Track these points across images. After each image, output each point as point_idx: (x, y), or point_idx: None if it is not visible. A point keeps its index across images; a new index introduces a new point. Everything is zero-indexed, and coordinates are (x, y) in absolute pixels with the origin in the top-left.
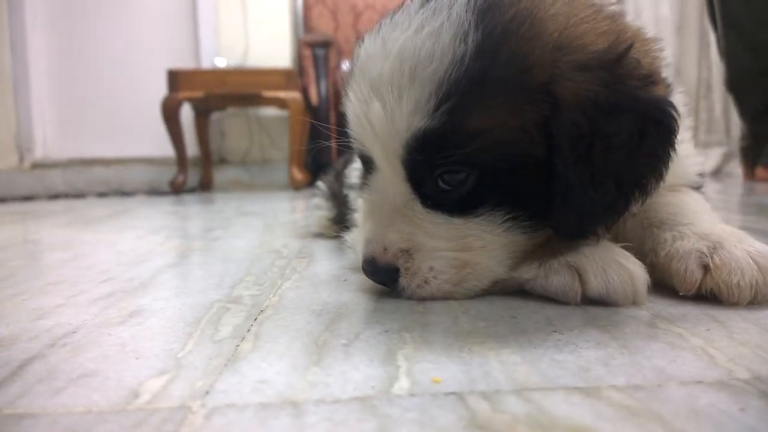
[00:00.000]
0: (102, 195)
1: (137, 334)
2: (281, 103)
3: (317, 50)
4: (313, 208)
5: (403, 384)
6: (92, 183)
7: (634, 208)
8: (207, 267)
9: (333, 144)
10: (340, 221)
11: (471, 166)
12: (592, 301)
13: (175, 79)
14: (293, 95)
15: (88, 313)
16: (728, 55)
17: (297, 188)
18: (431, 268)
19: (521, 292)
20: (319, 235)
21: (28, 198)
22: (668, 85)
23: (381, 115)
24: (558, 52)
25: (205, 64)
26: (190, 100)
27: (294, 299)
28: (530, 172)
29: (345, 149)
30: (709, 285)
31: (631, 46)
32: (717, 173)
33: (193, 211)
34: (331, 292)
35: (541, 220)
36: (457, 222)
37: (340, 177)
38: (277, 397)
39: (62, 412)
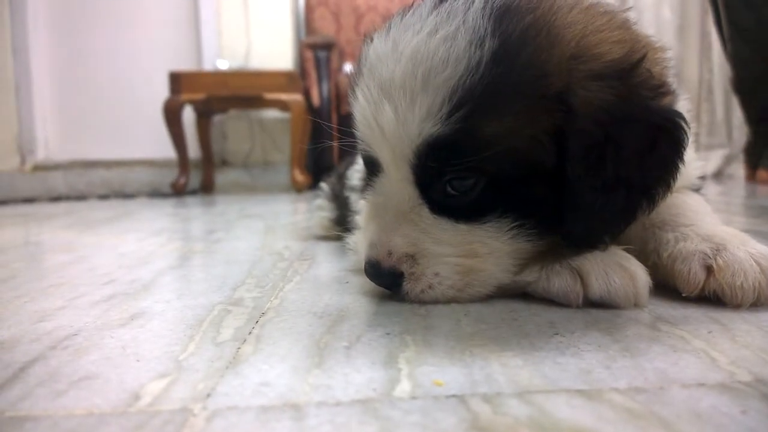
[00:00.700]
0: (103, 197)
1: (138, 337)
2: (283, 105)
3: (319, 52)
4: (316, 209)
5: (404, 387)
6: (94, 185)
7: (642, 216)
8: (208, 269)
9: (335, 146)
10: (342, 223)
11: (481, 173)
12: (594, 303)
13: (177, 81)
14: (295, 97)
15: (89, 316)
16: (735, 57)
17: (299, 190)
18: (436, 274)
19: (523, 294)
20: (321, 237)
21: (29, 200)
22: (674, 93)
23: (392, 118)
24: (574, 61)
25: (207, 66)
26: (192, 102)
27: (295, 301)
28: (539, 180)
29: (348, 151)
30: (712, 286)
31: (644, 57)
32: (719, 175)
33: (195, 213)
34: (332, 294)
35: (547, 228)
36: (464, 228)
37: (342, 179)
38: (279, 399)
39: (63, 415)
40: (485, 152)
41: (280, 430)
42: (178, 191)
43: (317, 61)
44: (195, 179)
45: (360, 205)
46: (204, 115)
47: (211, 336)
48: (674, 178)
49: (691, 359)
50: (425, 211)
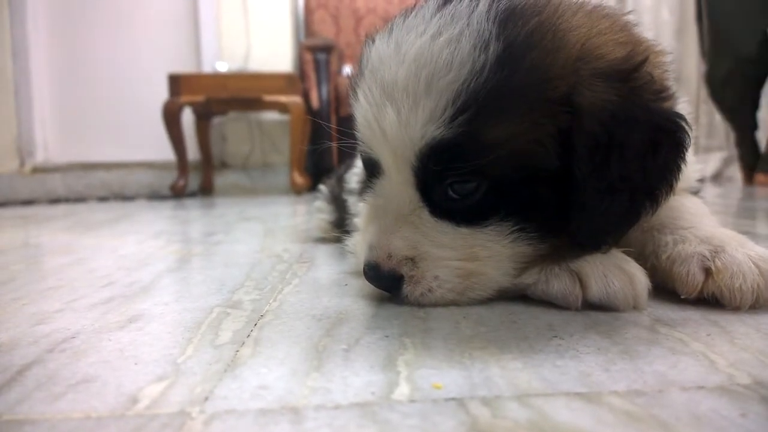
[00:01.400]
0: (103, 199)
1: (137, 340)
2: (282, 108)
3: (318, 54)
4: (315, 211)
5: (403, 390)
6: (93, 187)
7: (645, 218)
8: (207, 272)
9: (334, 148)
10: (341, 225)
11: (483, 176)
12: (593, 306)
13: (176, 83)
14: (294, 99)
15: (87, 318)
16: (708, 55)
17: (298, 192)
18: (436, 277)
19: (522, 297)
20: (320, 240)
21: (28, 202)
22: (674, 96)
23: (394, 121)
24: (579, 62)
25: (207, 68)
26: (191, 104)
27: (294, 304)
28: (541, 183)
29: (347, 153)
30: (710, 288)
31: (646, 60)
32: (717, 178)
33: (194, 215)
34: (331, 296)
35: (549, 231)
36: (465, 231)
37: (341, 181)
38: (277, 402)
39: (61, 418)
40: (488, 156)
41: None
42: (177, 193)
43: (317, 64)
44: (194, 181)
45: (359, 207)
46: (203, 117)
47: (209, 339)
48: (676, 180)
49: (690, 362)
50: (426, 214)
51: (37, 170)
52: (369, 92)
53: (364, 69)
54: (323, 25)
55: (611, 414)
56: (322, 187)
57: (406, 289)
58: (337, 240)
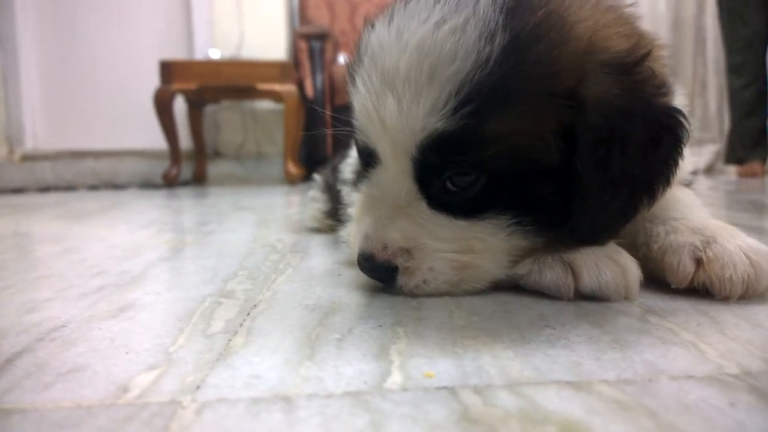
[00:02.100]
0: (93, 188)
1: (128, 329)
2: (276, 96)
3: (313, 42)
4: (309, 200)
5: (395, 379)
6: (83, 176)
7: (643, 212)
8: (200, 261)
9: (329, 137)
10: (335, 215)
11: (482, 170)
12: (585, 296)
13: (168, 70)
14: (289, 88)
15: (77, 307)
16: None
17: (292, 182)
18: (431, 269)
19: (515, 287)
20: (314, 230)
21: (17, 190)
22: (673, 91)
23: (394, 111)
24: (586, 56)
25: (199, 55)
26: (184, 92)
27: (287, 294)
28: (540, 178)
29: (342, 143)
30: (701, 278)
31: (649, 53)
32: (710, 170)
33: (187, 204)
34: (324, 286)
35: (545, 225)
36: (461, 224)
37: (335, 171)
38: (269, 391)
39: (51, 407)
40: (490, 150)
41: (270, 422)
42: (169, 182)
43: (311, 52)
44: (187, 170)
45: (353, 197)
46: (196, 105)
47: (201, 328)
48: (674, 175)
49: (680, 351)
50: (423, 205)
51: (26, 158)
52: (368, 80)
53: (363, 55)
54: (318, 13)
55: (601, 402)
56: (317, 177)
57: (401, 280)
58: (332, 230)
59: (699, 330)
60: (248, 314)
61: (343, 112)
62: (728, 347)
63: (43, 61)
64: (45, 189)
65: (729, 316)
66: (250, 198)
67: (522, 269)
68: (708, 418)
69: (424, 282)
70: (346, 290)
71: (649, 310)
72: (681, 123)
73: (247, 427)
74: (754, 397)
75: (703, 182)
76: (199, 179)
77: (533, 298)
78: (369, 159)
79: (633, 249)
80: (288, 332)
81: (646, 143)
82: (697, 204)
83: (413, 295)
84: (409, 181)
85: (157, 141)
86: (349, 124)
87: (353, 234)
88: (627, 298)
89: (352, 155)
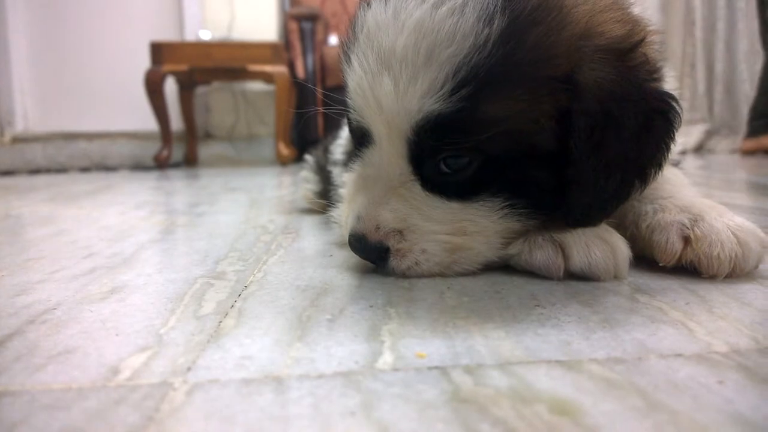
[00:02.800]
0: (84, 170)
1: (118, 311)
2: (267, 78)
3: (304, 24)
4: (301, 181)
5: (387, 359)
6: (74, 157)
7: (635, 195)
8: (191, 243)
9: (320, 118)
10: (326, 195)
11: (478, 152)
12: (575, 275)
13: (158, 51)
14: (280, 69)
15: (68, 290)
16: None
17: (284, 164)
18: (423, 251)
19: (506, 267)
20: (306, 211)
21: (8, 173)
22: (664, 75)
23: (391, 91)
24: (582, 41)
25: (190, 37)
26: (174, 73)
27: (279, 275)
28: (535, 161)
29: (333, 124)
30: (689, 256)
31: (644, 39)
32: (699, 150)
33: (178, 186)
34: (316, 267)
35: (538, 208)
36: (455, 206)
37: (327, 152)
38: (260, 372)
39: (41, 389)
40: (486, 133)
41: (261, 402)
42: (160, 164)
43: (302, 33)
44: (178, 152)
45: (344, 178)
46: (187, 86)
47: (192, 310)
48: (666, 159)
49: (669, 330)
50: (417, 186)
51: (17, 140)
52: (364, 59)
53: (358, 34)
54: None
55: (591, 381)
56: (308, 157)
57: (393, 262)
58: (324, 210)
59: (688, 309)
60: (239, 295)
61: (335, 92)
62: (717, 326)
63: (34, 42)
64: (36, 171)
65: (717, 294)
66: (241, 179)
67: (513, 249)
68: (697, 396)
69: (416, 264)
70: (338, 271)
71: (639, 289)
72: (673, 108)
73: (239, 408)
74: (742, 375)
75: (692, 161)
76: (190, 161)
77: (524, 278)
78: (362, 139)
79: (621, 228)
80: (279, 313)
81: (639, 128)
82: (685, 183)
83: (405, 276)
84: (403, 161)
85: (149, 123)
86: (341, 104)
87: (345, 214)
88: (616, 277)
89: (343, 136)
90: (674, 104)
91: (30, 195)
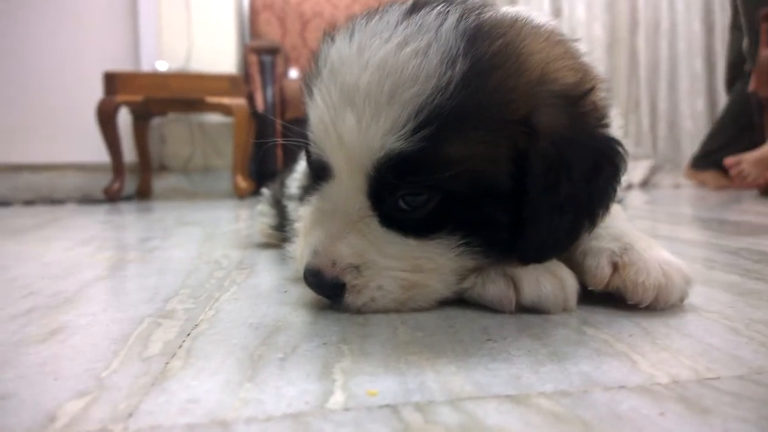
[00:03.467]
0: (29, 203)
1: (58, 353)
2: (226, 110)
3: (264, 56)
4: (257, 215)
5: (338, 398)
6: (18, 190)
7: (585, 236)
8: (140, 280)
9: (279, 151)
10: (283, 230)
11: (436, 190)
12: (526, 308)
13: (112, 81)
14: (238, 102)
15: (5, 331)
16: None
17: (241, 197)
18: (380, 287)
19: (460, 300)
20: (263, 245)
21: None
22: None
23: (353, 127)
24: (539, 86)
25: (146, 67)
26: (128, 104)
27: (231, 312)
28: (491, 201)
29: (292, 157)
30: (616, 282)
31: (593, 88)
32: (645, 185)
33: (129, 220)
34: (270, 304)
35: (494, 246)
36: (412, 243)
37: (283, 185)
38: (206, 416)
39: None
40: (445, 172)
41: None
42: (111, 197)
43: (262, 66)
44: (131, 185)
45: (300, 212)
46: (141, 117)
47: (137, 351)
48: (613, 200)
49: (614, 362)
50: (374, 222)
51: None
52: (327, 94)
53: (321, 68)
54: (269, 27)
55: (539, 415)
56: (265, 191)
57: (348, 298)
58: (280, 244)
59: (631, 341)
60: (188, 335)
61: (295, 125)
62: (659, 357)
63: None
64: None
65: (660, 326)
66: (196, 213)
67: (467, 283)
68: (639, 428)
69: (372, 300)
70: (292, 308)
71: (586, 321)
72: (619, 153)
73: None
74: (682, 407)
75: (639, 196)
76: (143, 194)
77: (477, 312)
78: (321, 172)
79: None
80: (229, 353)
81: (589, 171)
82: (621, 215)
83: (360, 312)
84: (363, 197)
85: (99, 154)
86: (301, 136)
87: (300, 249)
88: (565, 309)
89: (299, 170)
90: (620, 150)
91: None
